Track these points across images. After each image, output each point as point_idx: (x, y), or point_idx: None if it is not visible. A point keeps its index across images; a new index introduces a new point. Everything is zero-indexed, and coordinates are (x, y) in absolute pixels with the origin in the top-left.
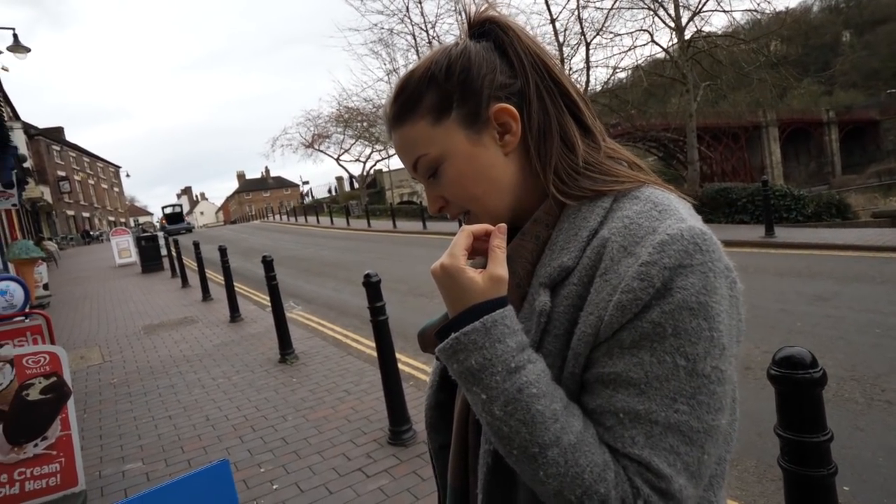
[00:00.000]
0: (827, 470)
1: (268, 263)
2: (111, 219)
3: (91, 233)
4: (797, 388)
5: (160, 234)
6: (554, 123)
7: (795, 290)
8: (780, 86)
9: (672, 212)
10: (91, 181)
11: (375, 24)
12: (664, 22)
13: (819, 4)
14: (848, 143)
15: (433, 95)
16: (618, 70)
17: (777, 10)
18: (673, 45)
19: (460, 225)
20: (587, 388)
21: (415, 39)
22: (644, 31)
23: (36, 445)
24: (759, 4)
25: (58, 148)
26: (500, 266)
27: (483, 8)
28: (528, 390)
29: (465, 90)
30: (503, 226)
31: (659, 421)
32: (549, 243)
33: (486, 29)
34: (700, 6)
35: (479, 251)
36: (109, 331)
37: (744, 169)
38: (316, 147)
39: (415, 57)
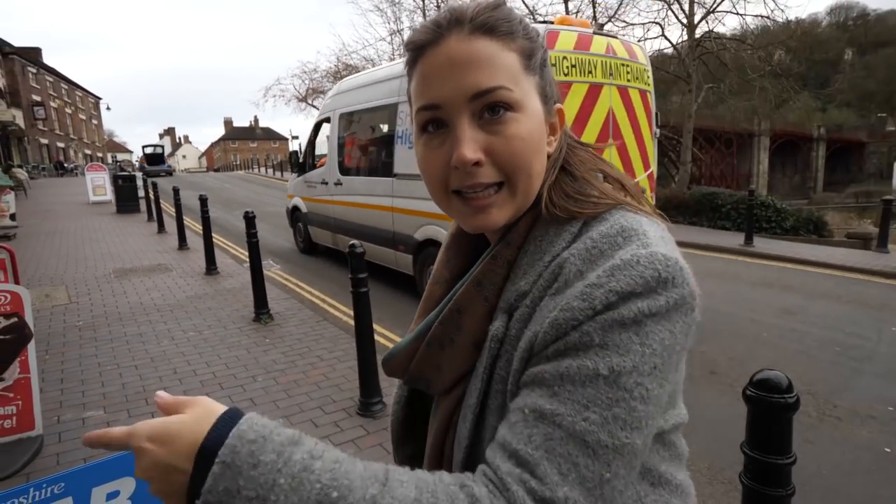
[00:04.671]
0: (786, 491)
1: (250, 220)
2: (87, 152)
3: (65, 164)
4: (770, 410)
5: (138, 174)
6: (563, 154)
7: (766, 300)
8: (779, 97)
9: (637, 237)
10: (68, 110)
11: None
12: (677, 17)
13: (828, 20)
14: (833, 161)
15: (525, 42)
16: None
17: (788, 19)
18: (682, 42)
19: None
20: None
21: (423, 1)
22: (656, 23)
23: None
24: (772, 11)
25: (34, 70)
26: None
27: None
28: (331, 495)
29: (544, 67)
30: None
31: (563, 425)
32: (513, 266)
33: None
34: (714, 5)
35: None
36: (78, 270)
37: (732, 175)
38: (309, 102)
39: (421, 19)
